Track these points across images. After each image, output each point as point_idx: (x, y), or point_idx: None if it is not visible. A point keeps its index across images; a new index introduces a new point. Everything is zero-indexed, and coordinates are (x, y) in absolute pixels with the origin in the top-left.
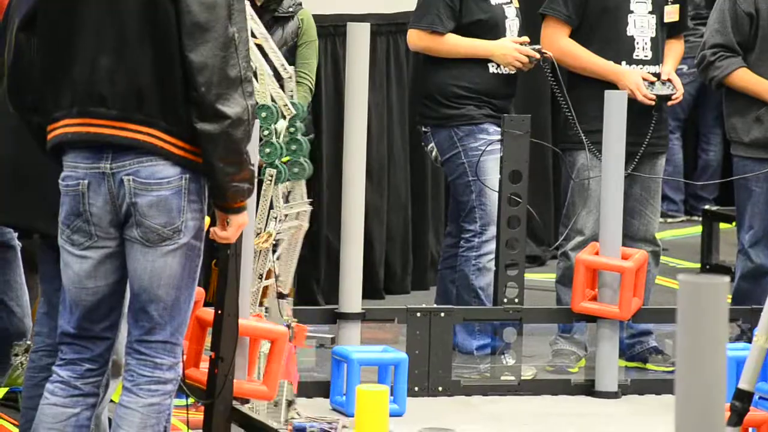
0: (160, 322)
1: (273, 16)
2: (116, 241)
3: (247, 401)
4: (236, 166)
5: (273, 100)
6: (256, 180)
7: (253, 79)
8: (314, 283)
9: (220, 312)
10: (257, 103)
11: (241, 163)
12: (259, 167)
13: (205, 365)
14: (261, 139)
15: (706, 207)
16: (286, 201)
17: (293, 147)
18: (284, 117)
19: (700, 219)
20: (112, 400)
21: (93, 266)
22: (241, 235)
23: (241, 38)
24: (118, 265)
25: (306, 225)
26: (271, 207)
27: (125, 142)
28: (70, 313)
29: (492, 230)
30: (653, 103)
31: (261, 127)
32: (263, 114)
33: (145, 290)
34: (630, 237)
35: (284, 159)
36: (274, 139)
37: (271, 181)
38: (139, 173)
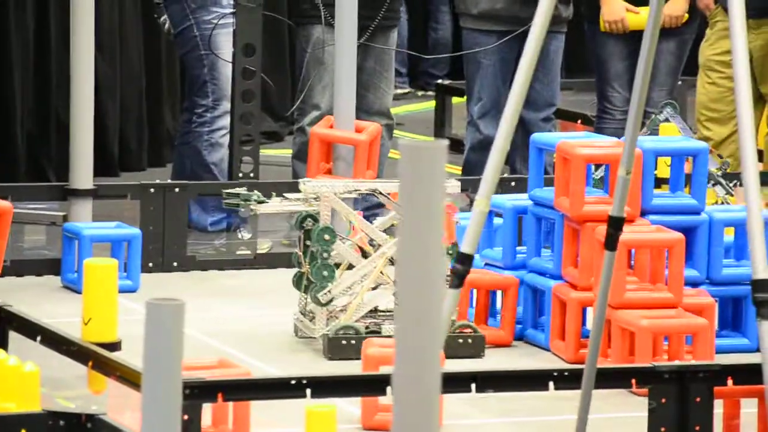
0: None
1: None
2: None
3: None
4: None
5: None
6: None
7: None
8: (45, 159)
9: None
10: None
11: None
12: None
13: None
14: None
15: (439, 81)
16: None
17: (325, 273)
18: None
19: (434, 94)
20: None
21: None
22: None
23: None
24: None
25: None
26: None
27: None
28: None
29: (225, 105)
30: None
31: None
32: (326, 236)
33: None
34: (365, 110)
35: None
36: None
37: None
38: None
